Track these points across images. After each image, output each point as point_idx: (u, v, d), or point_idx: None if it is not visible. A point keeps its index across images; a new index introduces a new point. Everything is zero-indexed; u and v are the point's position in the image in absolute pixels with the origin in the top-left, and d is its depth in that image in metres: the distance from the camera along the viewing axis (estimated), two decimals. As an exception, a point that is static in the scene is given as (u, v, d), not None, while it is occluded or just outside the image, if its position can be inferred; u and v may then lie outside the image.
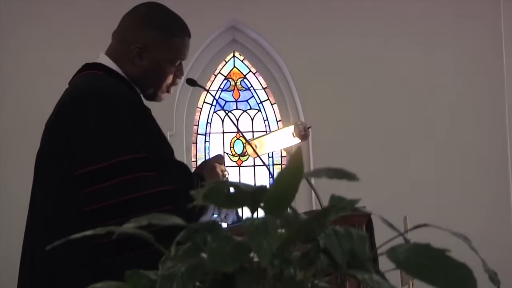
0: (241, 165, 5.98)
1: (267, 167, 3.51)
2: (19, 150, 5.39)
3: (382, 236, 1.52)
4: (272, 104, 6.02)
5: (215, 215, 2.88)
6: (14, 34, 5.63)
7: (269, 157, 5.94)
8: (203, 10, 5.65)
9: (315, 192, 3.79)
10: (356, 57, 5.81)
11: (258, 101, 6.04)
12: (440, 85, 5.87)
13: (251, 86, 6.06)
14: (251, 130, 5.99)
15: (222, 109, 5.99)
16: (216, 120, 6.01)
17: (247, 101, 6.06)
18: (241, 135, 5.80)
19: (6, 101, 5.57)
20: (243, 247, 1.19)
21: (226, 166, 6.02)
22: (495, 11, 5.94)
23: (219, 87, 6.04)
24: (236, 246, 1.20)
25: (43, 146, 2.78)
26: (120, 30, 2.90)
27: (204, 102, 6.00)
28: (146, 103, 2.91)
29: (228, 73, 6.06)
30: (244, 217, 1.23)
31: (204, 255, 1.23)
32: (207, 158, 5.95)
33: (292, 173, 1.23)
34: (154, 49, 2.83)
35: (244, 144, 5.82)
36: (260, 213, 1.26)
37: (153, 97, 2.90)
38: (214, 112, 6.01)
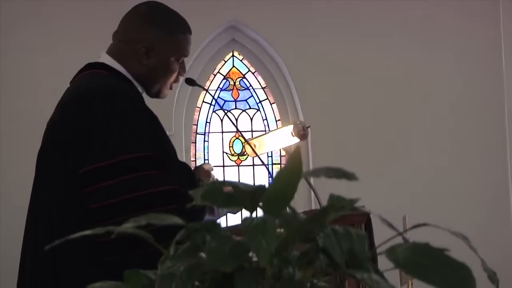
0: (240, 164, 5.98)
1: (266, 166, 3.51)
2: (19, 150, 5.39)
3: (381, 235, 1.52)
4: (271, 104, 6.02)
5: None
6: (14, 34, 5.63)
7: (268, 156, 5.94)
8: (202, 9, 5.65)
9: (314, 192, 3.79)
10: (355, 56, 5.81)
11: (257, 101, 6.04)
12: (440, 85, 5.87)
13: (250, 85, 6.06)
14: (250, 130, 5.99)
15: (221, 108, 5.99)
16: (215, 120, 6.01)
17: (246, 100, 6.06)
18: (240, 134, 5.80)
19: (6, 101, 5.56)
20: (242, 246, 1.19)
21: (226, 166, 6.03)
22: (495, 11, 5.94)
23: (218, 87, 6.04)
24: (235, 246, 1.20)
25: (46, 145, 2.77)
26: (122, 30, 2.91)
27: (203, 101, 6.00)
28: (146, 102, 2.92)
29: (227, 73, 6.06)
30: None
31: (203, 254, 1.23)
32: (206, 157, 5.96)
33: (291, 172, 1.23)
34: (160, 47, 2.86)
35: (243, 144, 5.82)
36: (259, 212, 1.26)
37: (158, 94, 2.93)
38: (213, 111, 6.01)
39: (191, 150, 5.92)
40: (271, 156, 5.97)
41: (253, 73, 6.05)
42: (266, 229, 1.18)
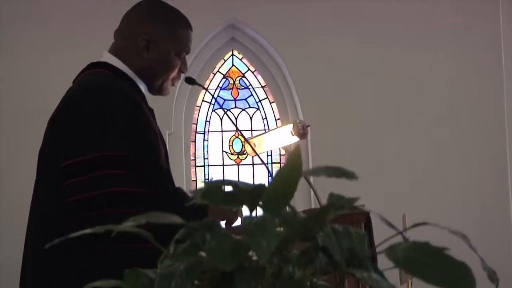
0: (240, 163, 5.98)
1: (265, 165, 3.52)
2: (19, 150, 5.40)
3: (381, 234, 1.52)
4: (271, 103, 6.02)
5: None
6: (14, 33, 5.63)
7: (267, 155, 5.94)
8: (202, 8, 5.65)
9: (313, 191, 3.79)
10: (355, 56, 5.81)
11: (257, 100, 6.04)
12: (439, 85, 5.87)
13: (250, 84, 6.06)
14: (250, 129, 5.99)
15: (221, 107, 5.99)
16: (214, 119, 6.01)
17: (246, 99, 6.06)
18: (240, 133, 5.80)
19: (6, 100, 5.56)
20: (242, 245, 1.19)
21: (225, 165, 6.03)
22: (495, 10, 5.94)
23: (218, 86, 6.04)
24: (235, 245, 1.20)
25: (44, 143, 2.79)
26: (124, 26, 2.92)
27: (202, 100, 6.00)
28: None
29: (227, 72, 6.06)
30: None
31: (203, 253, 1.23)
32: (205, 157, 5.96)
33: (291, 171, 1.23)
34: (160, 40, 2.86)
35: (243, 143, 5.82)
36: (259, 211, 1.26)
37: (160, 90, 2.92)
38: (212, 110, 6.01)
39: (191, 149, 5.92)
40: (271, 155, 5.97)
41: (252, 72, 6.05)
42: (266, 228, 1.18)
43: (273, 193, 1.24)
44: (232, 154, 5.98)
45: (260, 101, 6.04)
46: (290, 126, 4.22)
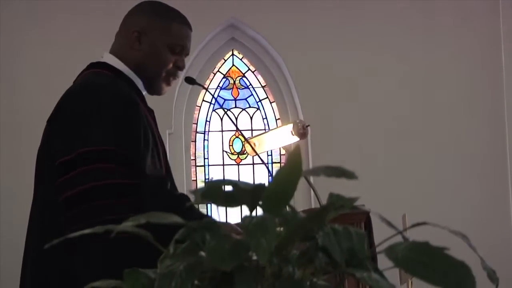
0: (240, 163, 5.98)
1: (266, 165, 3.51)
2: (18, 149, 5.39)
3: (381, 234, 1.52)
4: (271, 103, 6.02)
5: None
6: (14, 33, 5.63)
7: (268, 155, 5.94)
8: (202, 8, 5.65)
9: (313, 191, 3.79)
10: (355, 55, 5.81)
11: (257, 100, 6.04)
12: (439, 85, 5.87)
13: (250, 84, 6.06)
14: (250, 129, 5.99)
15: (221, 107, 5.99)
16: (215, 119, 6.01)
17: (246, 99, 6.06)
18: (240, 133, 5.80)
19: (6, 100, 5.56)
20: (241, 245, 1.19)
21: (225, 165, 6.03)
22: (495, 10, 5.94)
23: (218, 86, 6.04)
24: (235, 245, 1.20)
25: (41, 144, 2.80)
26: (122, 25, 2.93)
27: (203, 100, 6.00)
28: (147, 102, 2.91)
29: (227, 72, 6.06)
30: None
31: (203, 253, 1.23)
32: (206, 156, 5.96)
33: (291, 171, 1.23)
34: (152, 32, 2.85)
35: (243, 143, 5.82)
36: (259, 211, 1.26)
37: (154, 87, 2.88)
38: (213, 110, 6.01)
39: (191, 148, 5.92)
40: (271, 155, 5.97)
41: (253, 72, 6.05)
42: (266, 228, 1.18)
43: (273, 193, 1.24)
44: (232, 154, 5.98)
45: (260, 101, 6.04)
46: (290, 126, 4.21)
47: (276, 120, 5.99)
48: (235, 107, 6.04)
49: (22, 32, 5.64)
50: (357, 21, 5.85)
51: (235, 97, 6.05)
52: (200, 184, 5.88)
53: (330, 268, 1.25)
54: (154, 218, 1.28)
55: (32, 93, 5.53)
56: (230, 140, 5.99)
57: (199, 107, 5.98)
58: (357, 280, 1.24)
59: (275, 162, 5.97)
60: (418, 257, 1.19)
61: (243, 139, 5.83)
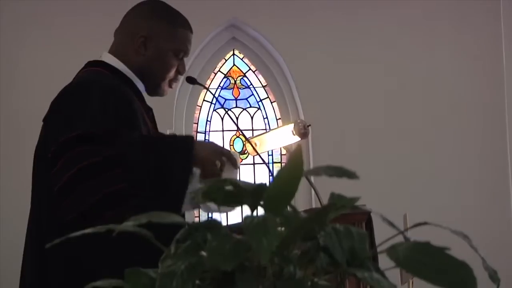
0: (241, 163, 5.98)
1: (266, 165, 3.51)
2: (19, 150, 5.39)
3: (382, 234, 1.51)
4: (271, 102, 6.02)
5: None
6: (14, 34, 5.63)
7: (268, 155, 5.94)
8: (203, 8, 5.65)
9: (314, 190, 3.79)
10: (355, 55, 5.82)
11: (258, 99, 6.04)
12: (439, 84, 5.87)
13: (251, 84, 6.06)
14: (251, 128, 5.99)
15: (222, 107, 6.00)
16: (215, 118, 6.01)
17: (246, 99, 6.06)
18: (240, 133, 5.80)
19: (6, 100, 5.56)
20: (242, 245, 1.19)
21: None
22: (495, 10, 5.94)
23: (219, 85, 6.04)
24: (236, 244, 1.20)
25: (38, 142, 2.80)
26: (123, 25, 2.92)
27: (203, 100, 6.00)
28: (147, 101, 2.91)
29: (228, 71, 6.06)
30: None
31: (204, 253, 1.23)
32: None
33: (292, 171, 1.23)
34: (158, 39, 2.85)
35: (244, 142, 5.82)
36: (260, 211, 1.26)
37: (157, 90, 2.89)
38: (213, 110, 6.01)
39: (192, 148, 5.92)
40: (272, 155, 5.97)
41: (253, 72, 6.05)
42: (267, 227, 1.18)
43: (274, 193, 1.23)
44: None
45: (261, 100, 6.04)
46: (291, 125, 4.22)
47: (277, 120, 5.99)
48: (236, 107, 6.04)
49: (22, 32, 5.64)
50: (358, 21, 5.86)
51: (236, 97, 6.05)
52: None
53: (331, 268, 1.25)
54: (155, 218, 1.28)
55: (32, 94, 5.52)
56: (231, 140, 5.99)
57: (200, 107, 5.98)
58: (358, 280, 1.24)
59: (276, 162, 5.97)
60: (419, 257, 1.19)
61: (244, 139, 5.83)
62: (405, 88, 5.84)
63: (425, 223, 1.34)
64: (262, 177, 5.93)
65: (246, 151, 5.88)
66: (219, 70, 6.05)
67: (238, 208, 1.27)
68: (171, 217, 1.29)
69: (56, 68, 5.46)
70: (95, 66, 2.86)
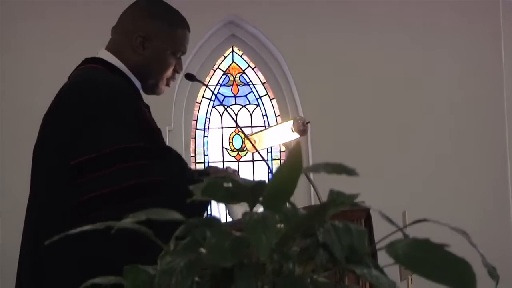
0: (240, 160, 5.98)
1: (266, 162, 3.51)
2: (19, 148, 5.39)
3: (381, 231, 1.51)
4: (271, 99, 6.02)
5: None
6: (13, 32, 5.63)
7: (268, 152, 5.94)
8: (202, 5, 5.65)
9: (314, 187, 3.79)
10: (355, 53, 5.81)
11: (257, 96, 6.04)
12: (438, 84, 5.87)
13: (250, 81, 6.06)
14: (250, 125, 5.99)
15: (221, 104, 5.99)
16: (215, 115, 6.01)
17: (246, 96, 6.06)
18: (240, 130, 5.80)
19: (5, 99, 5.56)
20: (242, 242, 1.19)
21: (225, 161, 6.02)
22: (495, 10, 5.94)
23: (218, 82, 6.04)
24: (235, 241, 1.20)
25: (40, 139, 2.77)
26: (121, 23, 2.92)
27: (203, 97, 6.00)
28: (145, 98, 2.91)
29: (227, 68, 6.06)
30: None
31: (203, 250, 1.23)
32: (205, 153, 5.96)
33: (291, 168, 1.23)
34: (157, 38, 2.86)
35: (243, 139, 5.82)
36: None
37: (154, 89, 2.90)
38: (213, 107, 6.01)
39: (191, 145, 5.92)
40: (271, 152, 5.97)
41: (252, 69, 6.05)
42: (266, 224, 1.18)
43: (273, 190, 1.23)
44: (232, 150, 5.98)
45: (260, 97, 6.04)
46: (290, 122, 4.21)
47: (276, 117, 5.99)
48: (235, 103, 6.04)
49: (22, 29, 5.64)
50: (358, 18, 5.85)
51: (235, 93, 6.05)
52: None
53: (330, 265, 1.25)
54: (154, 215, 1.28)
55: (31, 91, 5.52)
56: (230, 137, 5.99)
57: (199, 104, 5.98)
58: (357, 276, 1.24)
59: (275, 159, 5.97)
60: (419, 254, 1.19)
61: (243, 136, 5.83)
62: (405, 87, 5.84)
63: (424, 220, 1.34)
64: (261, 174, 5.92)
65: (245, 148, 5.88)
66: (218, 67, 6.04)
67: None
68: (169, 214, 1.29)
69: (56, 66, 5.45)
70: (93, 63, 2.86)
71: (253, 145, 4.09)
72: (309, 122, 4.26)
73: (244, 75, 6.06)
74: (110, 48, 2.89)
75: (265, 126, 5.88)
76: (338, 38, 5.83)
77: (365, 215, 3.10)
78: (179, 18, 2.93)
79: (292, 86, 5.91)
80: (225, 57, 6.05)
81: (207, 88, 5.91)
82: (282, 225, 1.23)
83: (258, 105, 6.04)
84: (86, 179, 2.60)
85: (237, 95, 6.05)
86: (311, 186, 4.15)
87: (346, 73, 5.80)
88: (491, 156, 5.85)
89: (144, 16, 2.89)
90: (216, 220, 1.28)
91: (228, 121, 5.97)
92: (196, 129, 5.97)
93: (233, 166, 5.96)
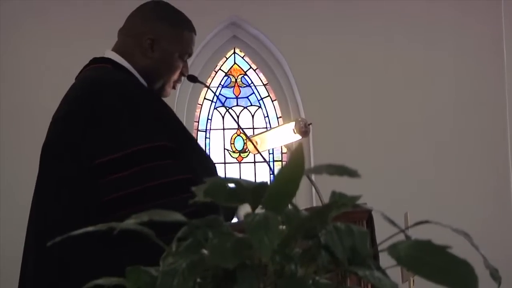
0: (242, 161, 5.98)
1: (267, 163, 3.51)
2: (19, 147, 5.39)
3: (383, 232, 1.52)
4: (272, 101, 6.02)
5: None
6: (14, 31, 5.63)
7: (269, 153, 5.93)
8: (203, 6, 5.65)
9: (315, 189, 3.79)
10: (356, 54, 5.81)
11: (259, 98, 6.04)
12: (440, 83, 5.87)
13: (252, 82, 6.05)
14: (252, 127, 5.99)
15: (223, 105, 5.99)
16: (216, 117, 6.01)
17: (247, 97, 6.06)
18: (241, 131, 5.80)
19: (5, 99, 5.56)
20: (244, 243, 1.19)
21: (227, 163, 6.02)
22: (496, 10, 5.94)
23: (220, 84, 6.04)
24: (237, 242, 1.20)
25: (52, 139, 2.75)
26: (129, 25, 2.92)
27: (204, 98, 6.00)
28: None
29: (229, 70, 6.06)
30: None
31: (205, 251, 1.23)
32: (207, 154, 5.96)
33: (293, 169, 1.23)
34: (165, 41, 2.87)
35: (245, 141, 5.82)
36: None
37: (160, 92, 2.92)
38: (214, 108, 6.01)
39: (193, 147, 5.92)
40: (273, 153, 5.97)
41: (254, 70, 6.05)
42: (268, 226, 1.18)
43: (275, 191, 1.23)
44: (233, 152, 5.98)
45: (262, 99, 6.04)
46: (292, 124, 4.21)
47: (277, 118, 5.99)
48: (237, 105, 6.04)
49: (22, 28, 5.64)
50: (359, 19, 5.85)
51: (236, 95, 6.05)
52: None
53: (332, 266, 1.25)
54: (157, 216, 1.28)
55: (31, 91, 5.52)
56: (231, 138, 5.99)
57: (200, 105, 5.98)
58: (359, 278, 1.24)
59: (277, 160, 5.97)
60: (421, 255, 1.19)
61: (244, 137, 5.83)
62: (406, 87, 5.84)
63: (426, 222, 1.34)
64: (263, 175, 5.92)
65: (247, 150, 5.88)
66: (220, 69, 6.04)
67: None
68: (172, 216, 1.29)
69: (57, 64, 5.46)
70: (102, 63, 2.86)
71: (255, 146, 4.09)
72: (310, 123, 4.26)
73: (245, 77, 6.06)
74: (117, 49, 2.89)
75: (266, 128, 5.88)
76: (339, 39, 5.83)
77: (367, 216, 3.09)
78: (186, 21, 2.95)
79: (294, 87, 5.91)
80: (227, 59, 6.05)
81: (208, 90, 5.91)
82: (284, 227, 1.23)
83: (259, 107, 6.03)
84: (108, 179, 2.60)
85: (239, 96, 6.05)
86: (313, 187, 4.16)
87: (348, 74, 5.80)
88: (492, 157, 5.84)
89: (152, 19, 2.90)
90: (218, 221, 1.28)
91: (229, 123, 5.97)
92: (198, 130, 5.96)
93: (235, 167, 5.96)
